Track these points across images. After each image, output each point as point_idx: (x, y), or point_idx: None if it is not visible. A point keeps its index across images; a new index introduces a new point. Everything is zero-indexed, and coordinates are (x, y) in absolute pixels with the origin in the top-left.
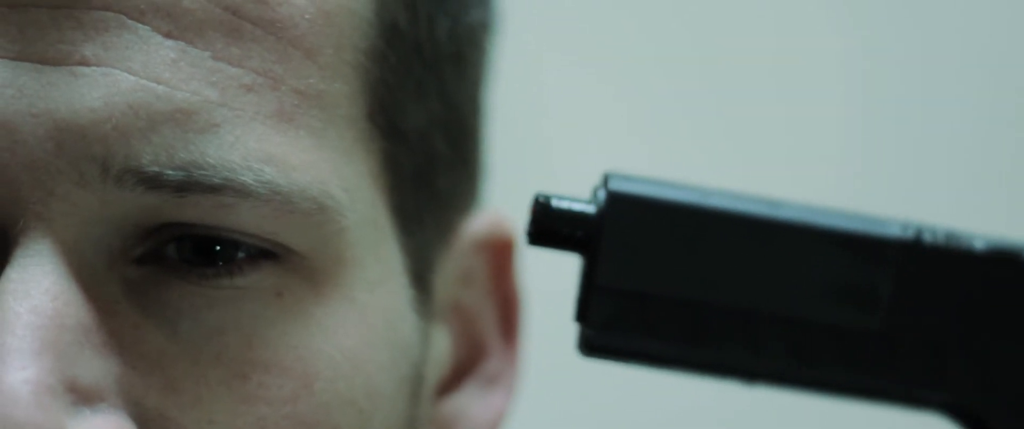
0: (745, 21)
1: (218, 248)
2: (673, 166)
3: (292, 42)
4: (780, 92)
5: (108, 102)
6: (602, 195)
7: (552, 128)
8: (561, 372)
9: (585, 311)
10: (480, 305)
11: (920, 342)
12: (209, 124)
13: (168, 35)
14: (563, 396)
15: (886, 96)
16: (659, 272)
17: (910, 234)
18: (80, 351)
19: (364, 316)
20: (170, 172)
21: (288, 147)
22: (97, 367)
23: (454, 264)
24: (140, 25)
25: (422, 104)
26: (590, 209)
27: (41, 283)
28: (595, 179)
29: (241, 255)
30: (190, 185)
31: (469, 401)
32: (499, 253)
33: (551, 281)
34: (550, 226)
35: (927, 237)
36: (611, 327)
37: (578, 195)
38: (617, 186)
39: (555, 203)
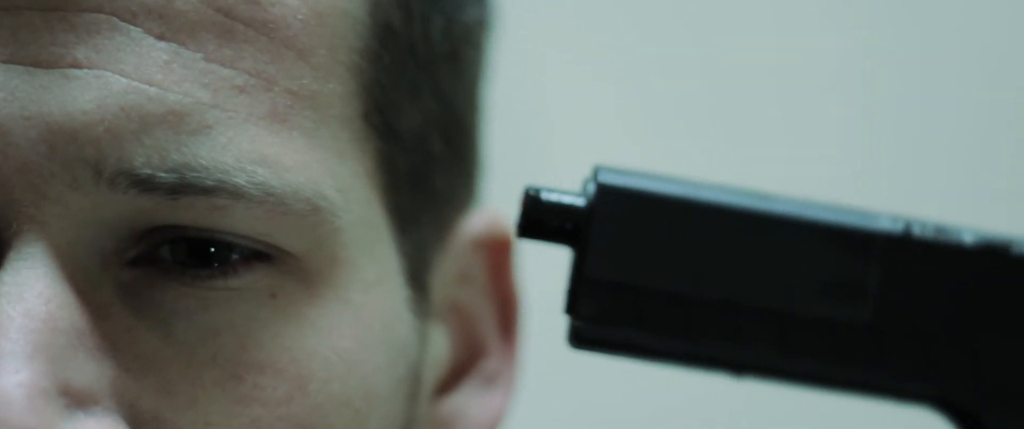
0: (743, 20)
1: (212, 250)
2: (672, 166)
3: (285, 43)
4: (778, 91)
5: (100, 104)
6: (591, 188)
7: (550, 126)
8: (560, 371)
9: (574, 303)
10: (478, 304)
11: (909, 335)
12: (202, 126)
13: (160, 37)
14: (562, 395)
15: (884, 96)
16: (648, 265)
17: (899, 227)
18: (74, 354)
19: (359, 317)
20: (163, 174)
21: (281, 148)
22: (91, 370)
23: (452, 263)
24: (132, 27)
25: (417, 103)
26: (580, 201)
27: (34, 286)
28: None
29: (235, 256)
30: (183, 187)
31: (468, 401)
32: (497, 252)
33: (550, 280)
34: (540, 218)
35: (916, 231)
36: (600, 320)
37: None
38: (606, 179)
39: (545, 196)
